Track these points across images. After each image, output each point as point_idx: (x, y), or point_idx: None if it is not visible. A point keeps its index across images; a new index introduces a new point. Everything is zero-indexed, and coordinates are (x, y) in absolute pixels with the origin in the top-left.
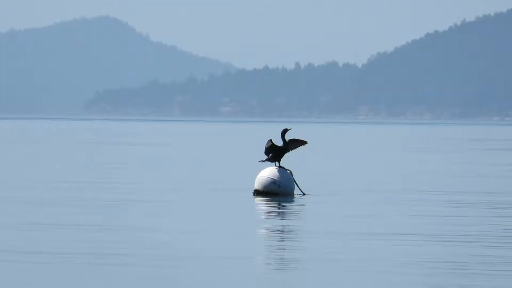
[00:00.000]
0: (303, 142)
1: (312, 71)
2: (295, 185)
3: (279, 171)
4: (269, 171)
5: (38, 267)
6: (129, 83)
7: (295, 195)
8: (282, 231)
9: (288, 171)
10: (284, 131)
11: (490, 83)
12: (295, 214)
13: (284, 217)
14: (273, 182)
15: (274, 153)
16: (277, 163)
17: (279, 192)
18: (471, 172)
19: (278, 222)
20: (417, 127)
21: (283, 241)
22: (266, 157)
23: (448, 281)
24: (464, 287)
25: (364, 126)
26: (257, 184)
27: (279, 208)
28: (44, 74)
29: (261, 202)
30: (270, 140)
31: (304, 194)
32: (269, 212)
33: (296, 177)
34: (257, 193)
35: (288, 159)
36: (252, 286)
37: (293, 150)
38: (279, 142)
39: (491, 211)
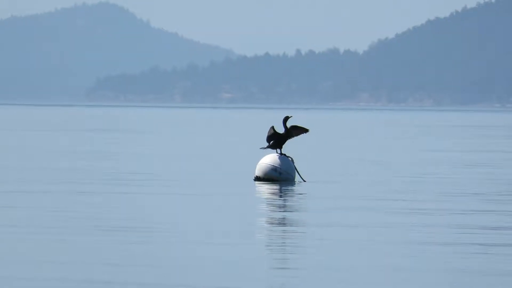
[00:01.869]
0: (304, 130)
1: (313, 57)
2: (296, 172)
3: (280, 158)
4: (270, 158)
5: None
6: (130, 70)
7: (295, 182)
8: (280, 221)
9: (290, 158)
10: (286, 119)
11: (491, 70)
12: (295, 204)
13: (283, 206)
14: (274, 169)
15: (276, 140)
16: (278, 150)
17: (279, 179)
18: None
19: (277, 212)
20: (417, 114)
21: (281, 231)
22: (267, 144)
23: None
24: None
25: (365, 112)
26: (258, 171)
27: (280, 197)
28: (45, 60)
29: (261, 189)
30: (272, 127)
31: (304, 181)
32: (268, 201)
33: (297, 164)
34: (257, 180)
35: (290, 146)
36: (249, 281)
37: (295, 137)
38: (281, 130)
39: None
